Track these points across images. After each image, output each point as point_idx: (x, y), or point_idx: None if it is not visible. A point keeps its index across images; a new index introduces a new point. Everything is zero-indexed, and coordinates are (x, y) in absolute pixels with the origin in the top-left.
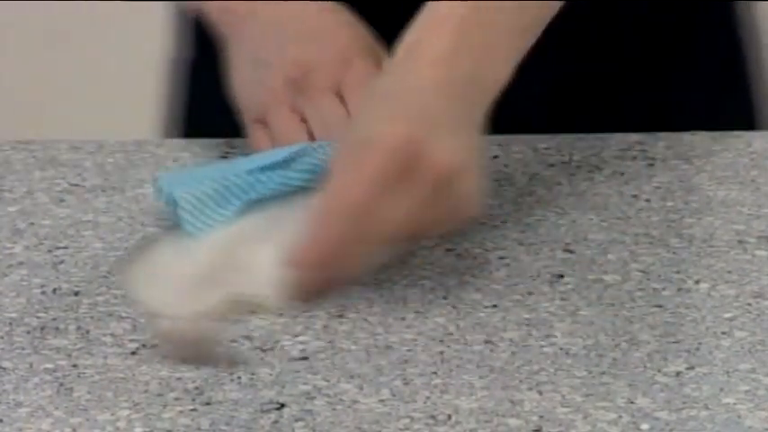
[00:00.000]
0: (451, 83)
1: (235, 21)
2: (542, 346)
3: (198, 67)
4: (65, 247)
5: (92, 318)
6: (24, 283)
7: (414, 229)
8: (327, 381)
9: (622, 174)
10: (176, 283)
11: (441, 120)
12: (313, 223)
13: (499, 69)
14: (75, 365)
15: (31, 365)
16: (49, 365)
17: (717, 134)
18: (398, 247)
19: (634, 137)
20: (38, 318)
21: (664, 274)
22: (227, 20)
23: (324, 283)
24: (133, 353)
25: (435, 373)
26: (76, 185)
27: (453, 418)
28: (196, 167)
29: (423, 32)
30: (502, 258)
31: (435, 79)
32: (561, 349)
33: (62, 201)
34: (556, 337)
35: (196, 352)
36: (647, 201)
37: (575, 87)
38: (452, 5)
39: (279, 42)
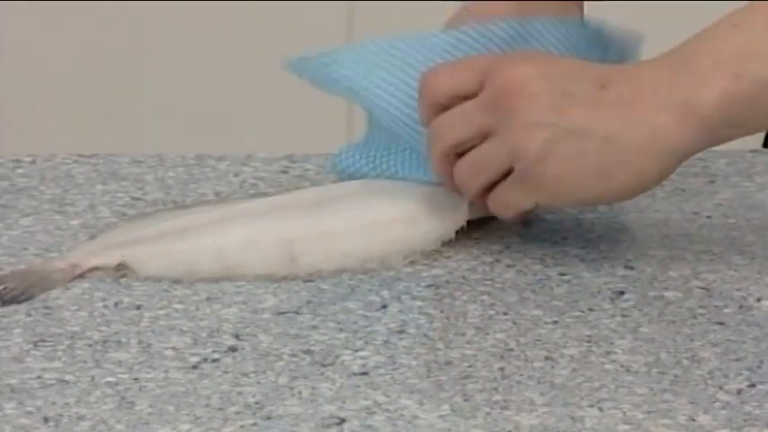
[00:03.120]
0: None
1: None
2: (603, 363)
3: None
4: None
5: (153, 331)
6: (86, 297)
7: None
8: (388, 396)
9: (683, 190)
10: None
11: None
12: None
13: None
14: (136, 379)
15: (92, 379)
16: (111, 379)
17: None
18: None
19: None
20: (99, 331)
21: (725, 292)
22: None
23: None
24: (194, 367)
25: (496, 389)
26: (138, 199)
27: None
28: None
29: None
30: (562, 275)
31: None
32: (622, 366)
33: (124, 215)
34: (617, 353)
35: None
36: (709, 217)
37: None
38: None
39: None
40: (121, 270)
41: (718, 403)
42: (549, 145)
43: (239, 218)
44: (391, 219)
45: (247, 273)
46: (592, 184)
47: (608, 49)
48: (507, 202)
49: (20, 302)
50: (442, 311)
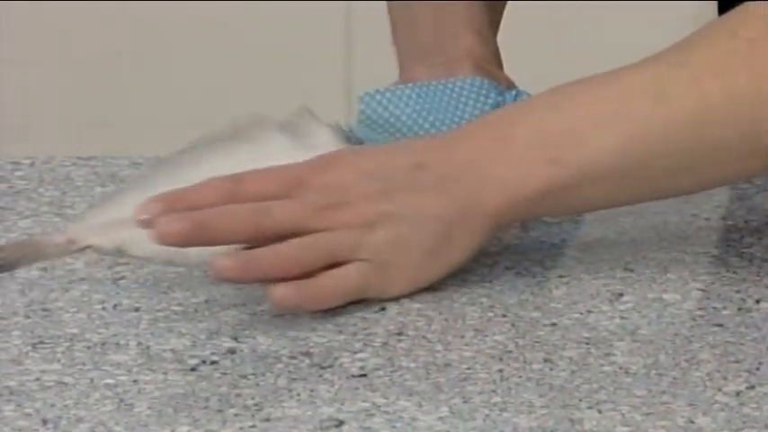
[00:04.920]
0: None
1: None
2: (602, 365)
3: None
4: (125, 263)
5: (152, 334)
6: (85, 299)
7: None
8: (386, 398)
9: None
10: None
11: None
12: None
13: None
14: (135, 381)
15: (91, 381)
16: (110, 381)
17: None
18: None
19: None
20: (98, 333)
21: (724, 294)
22: None
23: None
24: (193, 369)
25: (494, 391)
26: None
27: None
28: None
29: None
30: (561, 277)
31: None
32: (621, 368)
33: None
34: (615, 355)
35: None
36: (707, 219)
37: None
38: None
39: None
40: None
41: (716, 405)
42: (390, 235)
43: None
44: None
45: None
46: (427, 266)
47: None
48: (335, 292)
49: (2, 272)
50: (440, 313)
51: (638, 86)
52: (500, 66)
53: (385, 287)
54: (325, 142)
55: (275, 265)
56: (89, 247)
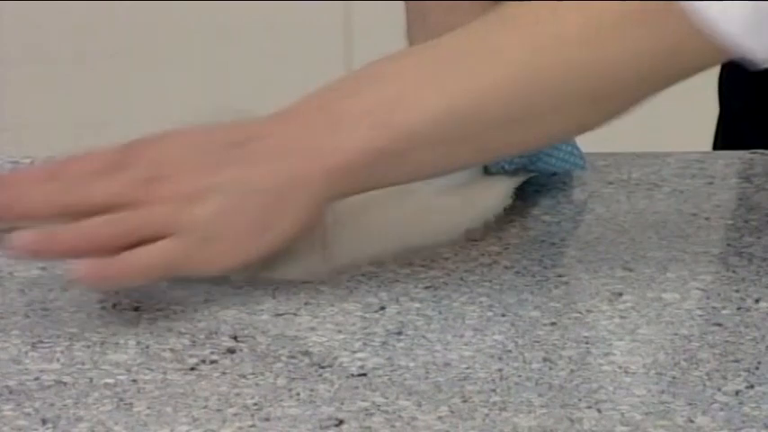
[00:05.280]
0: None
1: None
2: (601, 364)
3: None
4: None
5: (151, 333)
6: (84, 299)
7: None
8: (386, 398)
9: (682, 192)
10: None
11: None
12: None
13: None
14: (134, 380)
15: (91, 380)
16: (109, 380)
17: None
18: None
19: (693, 155)
20: (98, 333)
21: (723, 293)
22: None
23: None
24: (192, 368)
25: (494, 390)
26: None
27: None
28: None
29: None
30: (560, 276)
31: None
32: (620, 367)
33: None
34: (615, 355)
35: None
36: (707, 219)
37: None
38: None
39: None
40: None
41: (716, 404)
42: (213, 209)
43: None
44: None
45: None
46: (254, 239)
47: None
48: (141, 269)
49: None
50: (440, 313)
51: (465, 46)
52: None
53: (208, 262)
54: None
55: (78, 241)
56: None
